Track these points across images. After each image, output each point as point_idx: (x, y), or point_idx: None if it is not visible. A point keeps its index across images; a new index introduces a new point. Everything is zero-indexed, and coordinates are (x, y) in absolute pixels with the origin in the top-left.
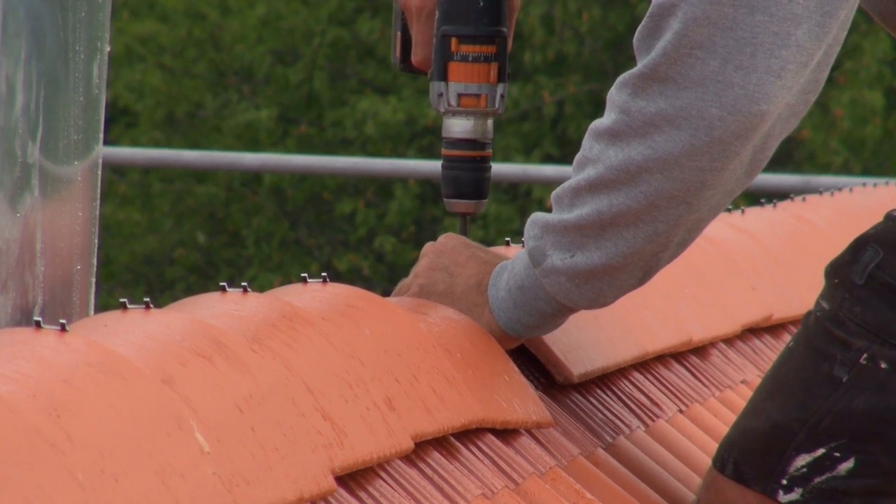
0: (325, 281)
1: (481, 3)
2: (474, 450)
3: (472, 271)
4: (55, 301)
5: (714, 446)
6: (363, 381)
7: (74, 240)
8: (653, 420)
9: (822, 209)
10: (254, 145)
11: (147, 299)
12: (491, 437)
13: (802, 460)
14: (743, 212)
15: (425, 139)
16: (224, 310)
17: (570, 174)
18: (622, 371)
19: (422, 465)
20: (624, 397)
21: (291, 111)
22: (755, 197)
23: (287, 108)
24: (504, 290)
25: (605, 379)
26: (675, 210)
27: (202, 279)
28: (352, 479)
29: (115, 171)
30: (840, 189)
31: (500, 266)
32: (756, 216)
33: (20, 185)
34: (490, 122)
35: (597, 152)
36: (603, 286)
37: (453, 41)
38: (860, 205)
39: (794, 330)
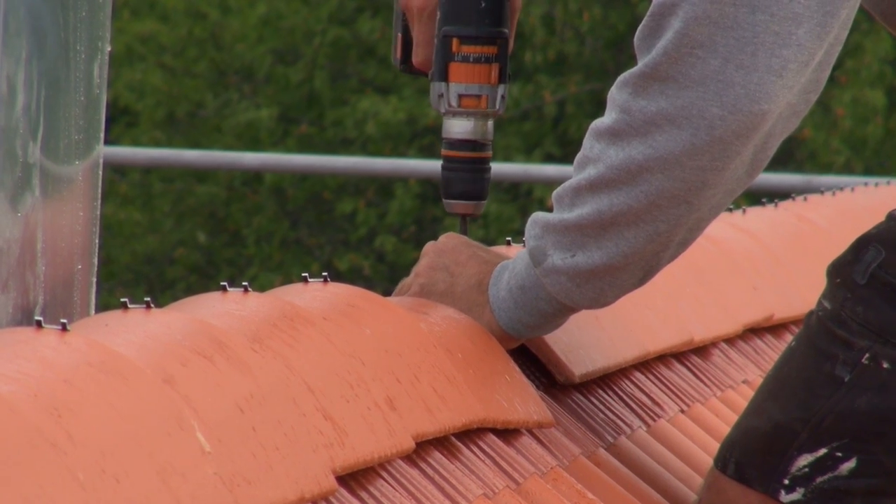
0: (325, 280)
1: (483, 4)
2: (475, 450)
3: (473, 271)
4: (56, 301)
5: (715, 446)
6: (364, 380)
7: (75, 239)
8: (654, 420)
9: (823, 209)
10: (254, 145)
11: (148, 299)
12: (492, 437)
13: (804, 460)
14: (744, 211)
15: (426, 139)
16: (225, 309)
17: (571, 174)
18: (623, 371)
19: (423, 465)
20: (625, 397)
21: (292, 111)
22: (756, 196)
23: (288, 107)
24: (505, 290)
25: (607, 379)
26: (676, 210)
27: (203, 279)
28: (353, 478)
29: (115, 171)
30: (842, 188)
31: (500, 266)
32: (757, 216)
33: (21, 185)
34: (490, 123)
35: (597, 152)
36: (604, 286)
37: (454, 42)
38: (862, 204)
39: (796, 330)
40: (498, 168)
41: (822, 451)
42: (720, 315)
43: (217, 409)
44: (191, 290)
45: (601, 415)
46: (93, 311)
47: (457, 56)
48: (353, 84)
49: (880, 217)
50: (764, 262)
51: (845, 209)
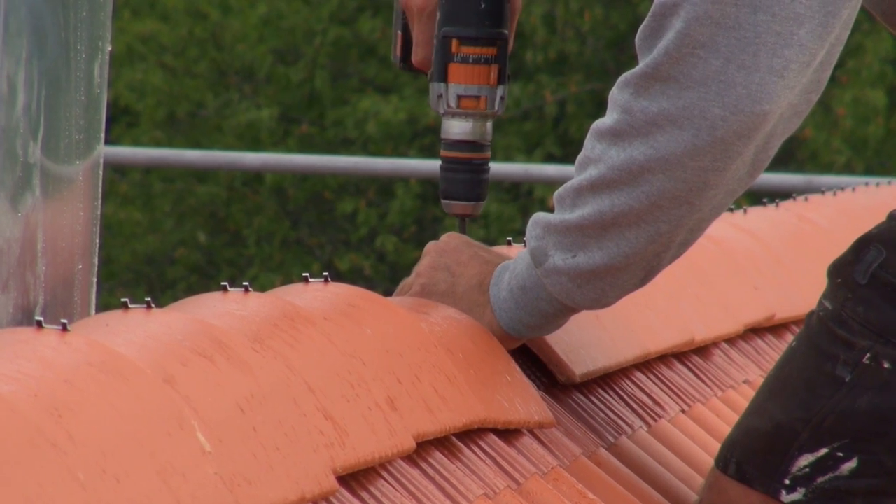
0: (326, 280)
1: (483, 5)
2: (476, 450)
3: (474, 271)
4: (56, 301)
5: (716, 446)
6: (365, 380)
7: (76, 239)
8: (655, 420)
9: (824, 209)
10: (255, 145)
11: (148, 299)
12: (493, 437)
13: (805, 460)
14: (745, 211)
15: (427, 138)
16: (225, 309)
17: (572, 174)
18: (624, 371)
19: (423, 465)
20: (626, 397)
21: (293, 110)
22: (757, 196)
23: (288, 107)
24: (506, 290)
25: (608, 379)
26: (677, 210)
27: (203, 279)
28: (353, 479)
29: (116, 171)
30: (842, 188)
31: (501, 266)
32: (758, 216)
33: (21, 185)
34: (489, 124)
35: (599, 152)
36: (605, 286)
37: (454, 42)
38: (863, 204)
39: (797, 330)
40: (498, 168)
41: (823, 451)
42: (721, 315)
43: (217, 409)
44: (191, 291)
45: (602, 415)
46: (93, 311)
47: (456, 57)
48: (353, 84)
49: (881, 217)
50: (765, 262)
51: (846, 209)
